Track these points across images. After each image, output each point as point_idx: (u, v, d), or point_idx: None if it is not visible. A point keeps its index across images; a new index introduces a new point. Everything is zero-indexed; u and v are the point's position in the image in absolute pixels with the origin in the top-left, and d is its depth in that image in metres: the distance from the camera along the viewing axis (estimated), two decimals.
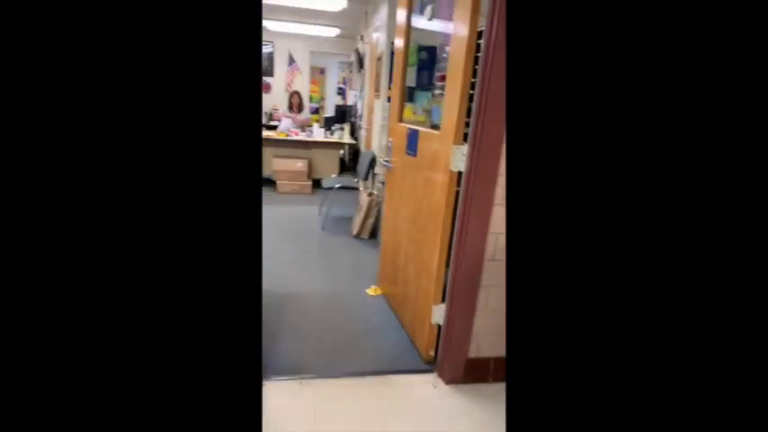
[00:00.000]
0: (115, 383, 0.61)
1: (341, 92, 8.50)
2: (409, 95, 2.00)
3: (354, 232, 3.20)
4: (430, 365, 1.72)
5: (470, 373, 1.62)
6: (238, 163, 0.67)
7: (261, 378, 1.44)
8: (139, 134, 0.61)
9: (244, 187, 0.68)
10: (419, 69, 1.95)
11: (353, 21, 4.82)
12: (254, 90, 0.71)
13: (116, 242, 0.61)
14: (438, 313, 1.66)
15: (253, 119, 0.70)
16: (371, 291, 2.33)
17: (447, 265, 1.61)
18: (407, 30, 1.89)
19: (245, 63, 0.67)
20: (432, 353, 1.73)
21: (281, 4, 4.16)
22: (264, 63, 6.63)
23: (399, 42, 1.94)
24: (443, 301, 1.65)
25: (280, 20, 5.24)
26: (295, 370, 1.64)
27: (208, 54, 0.63)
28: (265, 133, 4.71)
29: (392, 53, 2.28)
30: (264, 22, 5.40)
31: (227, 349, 0.67)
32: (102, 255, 0.60)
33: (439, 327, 1.68)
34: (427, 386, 1.61)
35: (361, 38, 4.65)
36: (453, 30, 1.42)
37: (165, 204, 0.63)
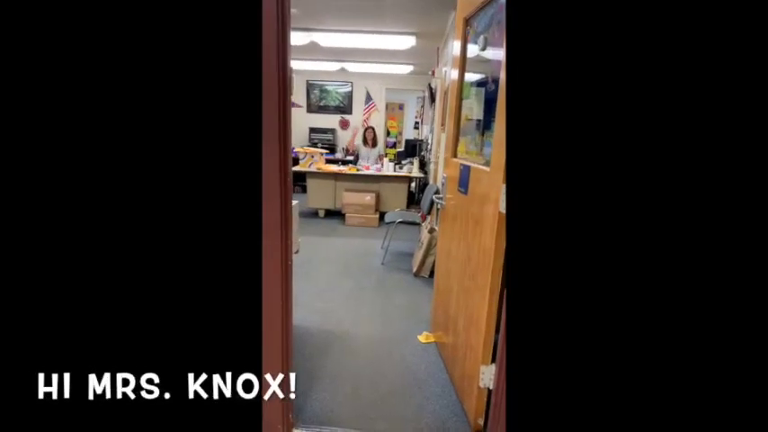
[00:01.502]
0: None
1: (417, 126, 8.63)
2: (482, 129, 1.86)
3: (414, 270, 3.06)
4: None
5: None
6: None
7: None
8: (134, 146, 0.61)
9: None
10: (486, 101, 1.82)
11: (425, 57, 4.89)
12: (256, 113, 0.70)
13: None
14: (487, 375, 1.43)
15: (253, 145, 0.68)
16: (423, 337, 2.14)
17: (499, 320, 1.40)
18: (462, 61, 1.79)
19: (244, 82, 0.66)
20: (481, 422, 1.49)
21: (356, 47, 4.39)
22: (344, 102, 7.03)
23: (454, 74, 1.85)
24: (493, 361, 1.42)
25: (356, 61, 5.54)
26: (328, 421, 1.53)
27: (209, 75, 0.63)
28: (338, 168, 4.89)
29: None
30: (343, 65, 5.75)
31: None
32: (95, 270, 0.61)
33: (489, 391, 1.44)
34: None
35: (432, 73, 4.67)
36: (503, 57, 1.29)
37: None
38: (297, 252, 3.01)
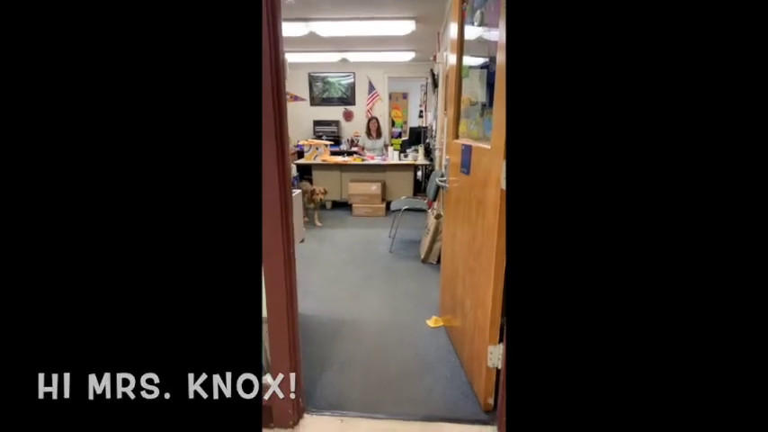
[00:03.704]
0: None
1: (421, 115, 8.55)
2: (482, 108, 1.83)
3: (422, 257, 3.06)
4: (489, 415, 1.49)
5: None
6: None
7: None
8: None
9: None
10: (486, 81, 1.79)
11: (426, 43, 4.81)
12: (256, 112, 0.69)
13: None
14: (495, 355, 1.43)
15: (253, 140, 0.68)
16: (432, 322, 2.15)
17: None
18: (460, 42, 1.76)
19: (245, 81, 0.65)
20: (491, 401, 1.50)
21: (356, 35, 4.34)
22: (347, 93, 6.99)
23: (452, 56, 1.82)
24: (501, 340, 1.42)
25: (357, 50, 5.49)
26: (338, 405, 1.55)
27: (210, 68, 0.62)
28: (343, 159, 4.89)
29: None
30: (344, 54, 5.70)
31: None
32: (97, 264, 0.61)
33: (498, 371, 1.45)
34: None
35: (434, 58, 4.60)
36: (499, 35, 1.26)
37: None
38: (302, 241, 3.01)
